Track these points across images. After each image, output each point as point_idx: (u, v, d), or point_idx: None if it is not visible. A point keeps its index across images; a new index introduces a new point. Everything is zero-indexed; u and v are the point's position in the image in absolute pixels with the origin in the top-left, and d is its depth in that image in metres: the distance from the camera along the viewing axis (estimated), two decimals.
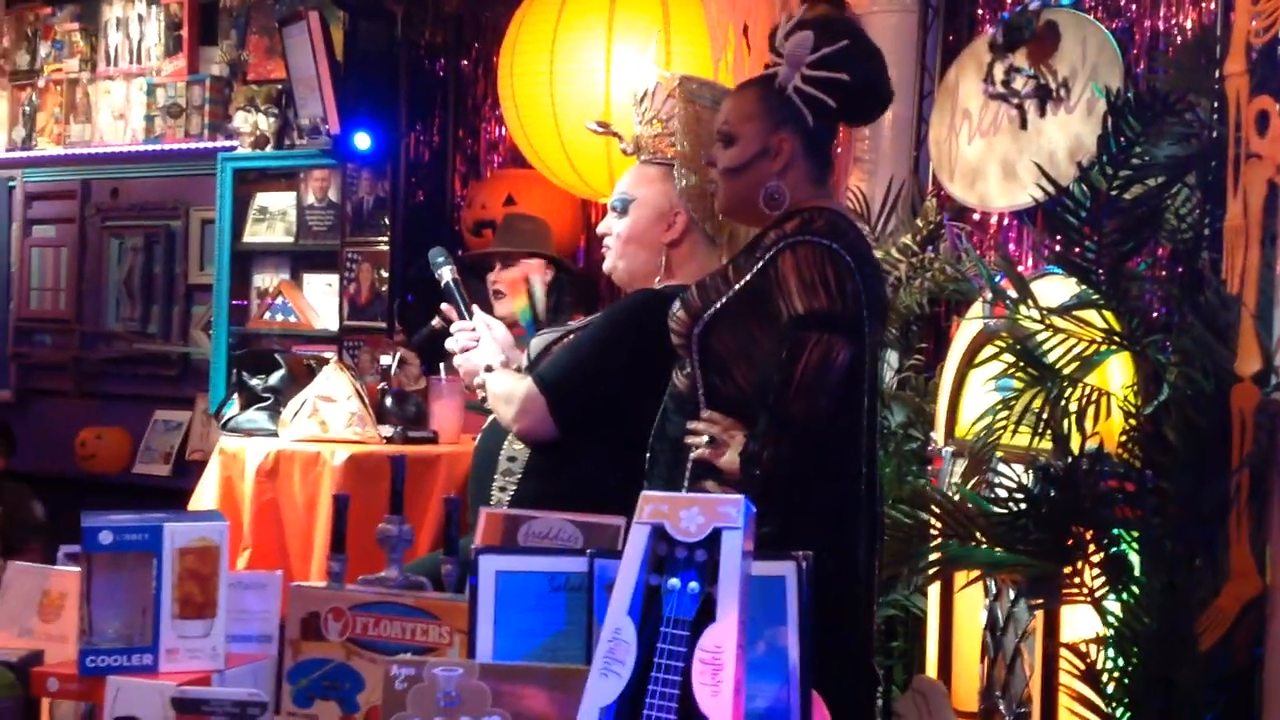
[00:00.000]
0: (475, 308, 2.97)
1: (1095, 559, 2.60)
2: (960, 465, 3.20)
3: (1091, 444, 2.61)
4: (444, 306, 2.98)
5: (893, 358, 3.76)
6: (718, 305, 2.21)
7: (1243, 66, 2.35)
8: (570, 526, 1.81)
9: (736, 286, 2.20)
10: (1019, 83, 3.10)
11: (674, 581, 1.41)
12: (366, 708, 1.68)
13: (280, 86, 5.43)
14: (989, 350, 2.97)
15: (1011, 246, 3.61)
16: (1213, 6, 2.81)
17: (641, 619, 1.42)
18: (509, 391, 2.74)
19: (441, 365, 3.58)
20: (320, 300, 5.42)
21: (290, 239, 5.47)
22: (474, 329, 2.91)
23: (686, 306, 2.28)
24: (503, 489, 2.73)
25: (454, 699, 1.47)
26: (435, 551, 2.91)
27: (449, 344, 2.92)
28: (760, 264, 2.17)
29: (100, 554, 1.68)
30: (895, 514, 3.23)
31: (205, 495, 3.50)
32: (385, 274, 5.10)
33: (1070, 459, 2.59)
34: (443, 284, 2.96)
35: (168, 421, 5.86)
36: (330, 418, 3.38)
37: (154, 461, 5.84)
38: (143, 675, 1.66)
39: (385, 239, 5.14)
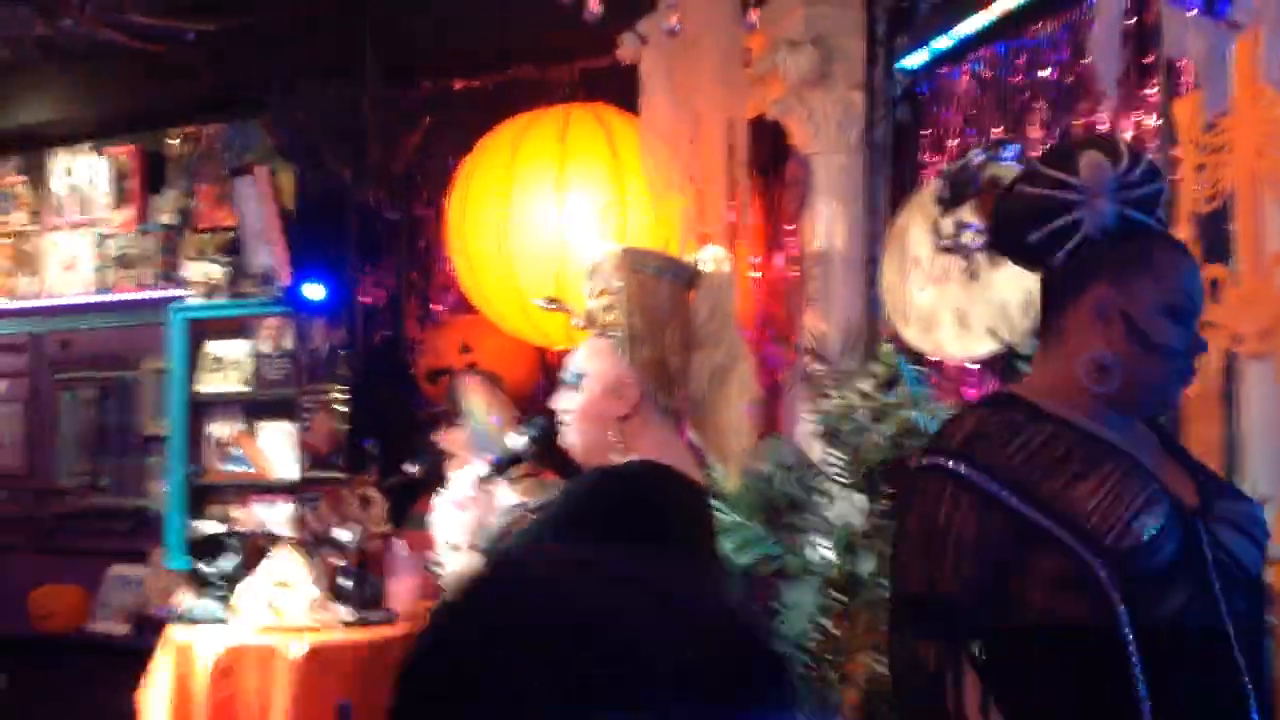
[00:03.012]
0: (450, 480, 2.90)
1: None
2: None
3: None
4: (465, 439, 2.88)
5: (859, 500, 3.71)
6: None
7: (1191, 235, 2.35)
8: None
9: None
10: (967, 236, 3.08)
11: None
12: None
13: (231, 234, 5.40)
14: None
15: (972, 392, 3.59)
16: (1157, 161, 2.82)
17: None
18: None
19: (396, 542, 3.51)
20: (277, 450, 5.33)
21: (246, 387, 5.40)
22: (476, 496, 2.84)
23: None
24: None
25: None
26: None
27: (447, 488, 2.84)
28: None
29: None
30: (869, 661, 3.17)
31: (157, 692, 3.38)
32: (345, 425, 5.03)
33: None
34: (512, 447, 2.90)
35: (123, 577, 5.73)
36: (286, 606, 3.28)
37: (110, 619, 5.69)
38: None
39: (342, 387, 5.08)
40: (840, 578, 3.58)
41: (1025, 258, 1.80)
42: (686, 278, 2.72)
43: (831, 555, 3.66)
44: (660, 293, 2.68)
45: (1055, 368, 1.69)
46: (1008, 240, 1.83)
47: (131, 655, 4.49)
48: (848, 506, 3.71)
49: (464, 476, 2.83)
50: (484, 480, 2.87)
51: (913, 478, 1.73)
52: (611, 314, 2.74)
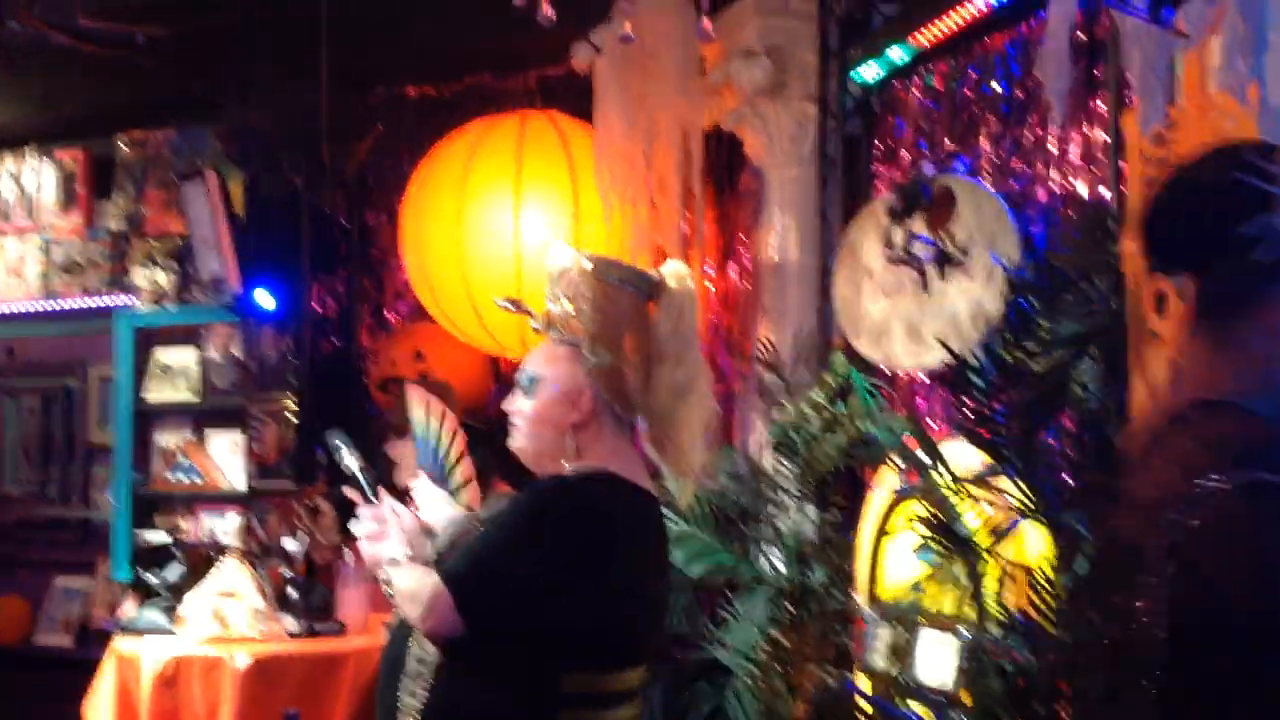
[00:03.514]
0: (383, 493, 2.87)
1: None
2: (883, 631, 3.15)
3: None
4: (348, 492, 2.87)
5: (811, 511, 3.72)
6: None
7: (1139, 246, 2.36)
8: None
9: None
10: (918, 248, 3.10)
11: None
12: None
13: (180, 241, 5.34)
14: (901, 517, 2.94)
15: (923, 402, 3.60)
16: (1106, 172, 2.84)
17: None
18: (415, 589, 2.63)
19: (346, 552, 3.47)
20: (226, 459, 5.27)
21: (194, 396, 5.34)
22: (382, 516, 2.80)
23: None
24: (412, 694, 2.61)
25: None
26: None
27: (353, 527, 2.81)
28: None
29: None
30: (818, 672, 3.17)
31: (101, 702, 3.33)
32: (293, 433, 4.98)
33: (997, 637, 2.53)
34: (346, 470, 2.86)
35: (68, 588, 5.65)
36: (231, 615, 3.24)
37: (55, 631, 5.61)
38: None
39: (291, 395, 5.03)
40: (792, 588, 3.58)
41: (1198, 251, 1.66)
42: (648, 290, 2.70)
43: (782, 566, 3.66)
44: (621, 302, 2.65)
45: (1235, 371, 1.59)
46: (1190, 229, 1.68)
47: (77, 668, 4.41)
48: (799, 518, 3.72)
49: (426, 491, 2.79)
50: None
51: (1232, 502, 1.50)
52: (571, 320, 2.72)
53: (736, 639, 3.62)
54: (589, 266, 2.65)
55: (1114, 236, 2.52)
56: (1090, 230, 2.54)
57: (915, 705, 2.88)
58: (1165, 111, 2.10)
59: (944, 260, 3.06)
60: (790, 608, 3.54)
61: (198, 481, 5.20)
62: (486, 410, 4.71)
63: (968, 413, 2.70)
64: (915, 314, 3.21)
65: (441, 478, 3.03)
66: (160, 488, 5.28)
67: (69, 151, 5.74)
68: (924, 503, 2.81)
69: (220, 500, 5.13)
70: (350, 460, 2.83)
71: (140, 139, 5.57)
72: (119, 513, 5.29)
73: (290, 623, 3.34)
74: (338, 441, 2.86)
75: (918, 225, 3.11)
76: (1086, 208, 2.83)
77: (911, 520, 2.87)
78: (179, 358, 5.40)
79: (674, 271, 2.71)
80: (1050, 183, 3.06)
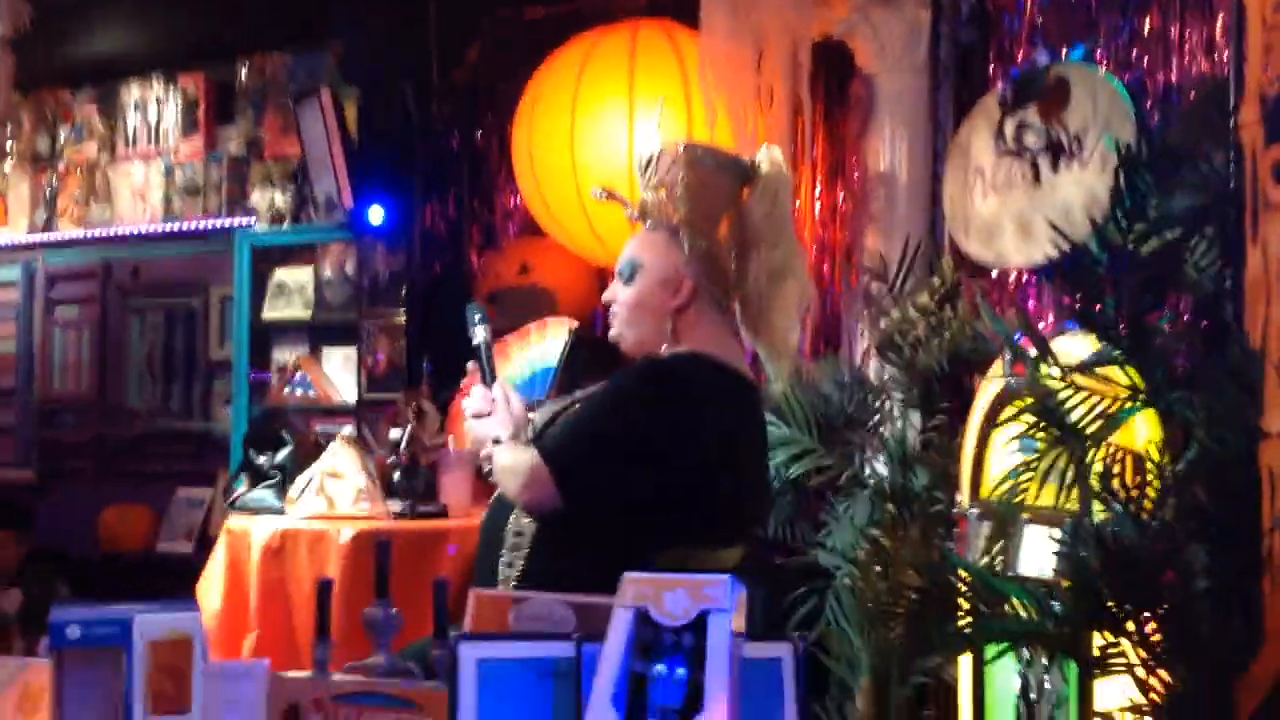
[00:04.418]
0: (501, 376, 2.89)
1: (1129, 627, 2.49)
2: (986, 527, 3.11)
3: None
4: (470, 366, 2.89)
5: (915, 418, 3.68)
6: None
7: (1256, 115, 2.28)
8: (564, 608, 1.73)
9: None
10: (1030, 139, 3.04)
11: (660, 668, 1.34)
12: None
13: (296, 163, 5.45)
14: (1010, 411, 2.89)
15: (1031, 303, 3.54)
16: (1225, 57, 2.75)
17: (628, 708, 1.35)
18: (514, 464, 2.67)
19: (450, 438, 3.52)
20: (339, 374, 5.39)
21: (308, 314, 5.46)
22: (493, 397, 2.82)
23: None
24: (510, 565, 2.66)
25: None
26: None
27: (464, 404, 2.84)
28: None
29: (69, 650, 1.62)
30: (919, 579, 3.14)
31: (213, 576, 3.45)
32: (402, 345, 5.07)
33: (1115, 526, 2.48)
34: (475, 343, 2.88)
35: (190, 498, 5.84)
36: (337, 494, 3.32)
37: (176, 539, 5.80)
38: None
39: (402, 311, 5.12)
40: (893, 491, 3.55)
41: None
42: (743, 175, 2.70)
43: (884, 470, 3.63)
44: (716, 187, 2.67)
45: None
46: None
47: (196, 573, 4.58)
48: (903, 424, 3.68)
49: (479, 390, 2.80)
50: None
51: None
52: (665, 205, 2.73)
53: (837, 541, 3.61)
54: (681, 152, 2.67)
55: (1230, 110, 2.44)
56: (1206, 104, 2.46)
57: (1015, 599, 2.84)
58: None
59: (1057, 150, 2.99)
60: (892, 509, 3.51)
61: (311, 395, 5.33)
62: (593, 324, 4.74)
63: (1077, 301, 2.65)
64: (1026, 209, 3.15)
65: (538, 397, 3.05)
66: (277, 401, 5.42)
67: (191, 78, 5.89)
68: (1031, 394, 2.76)
69: (334, 413, 5.26)
70: (481, 334, 2.84)
71: (259, 64, 5.68)
72: (238, 427, 5.44)
73: (395, 504, 3.42)
74: (476, 315, 2.87)
75: (1030, 115, 3.05)
76: (1203, 82, 2.74)
77: (1018, 413, 2.82)
78: (295, 276, 5.52)
79: (768, 156, 2.70)
80: (1170, 71, 2.97)
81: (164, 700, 1.61)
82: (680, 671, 1.33)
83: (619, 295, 2.75)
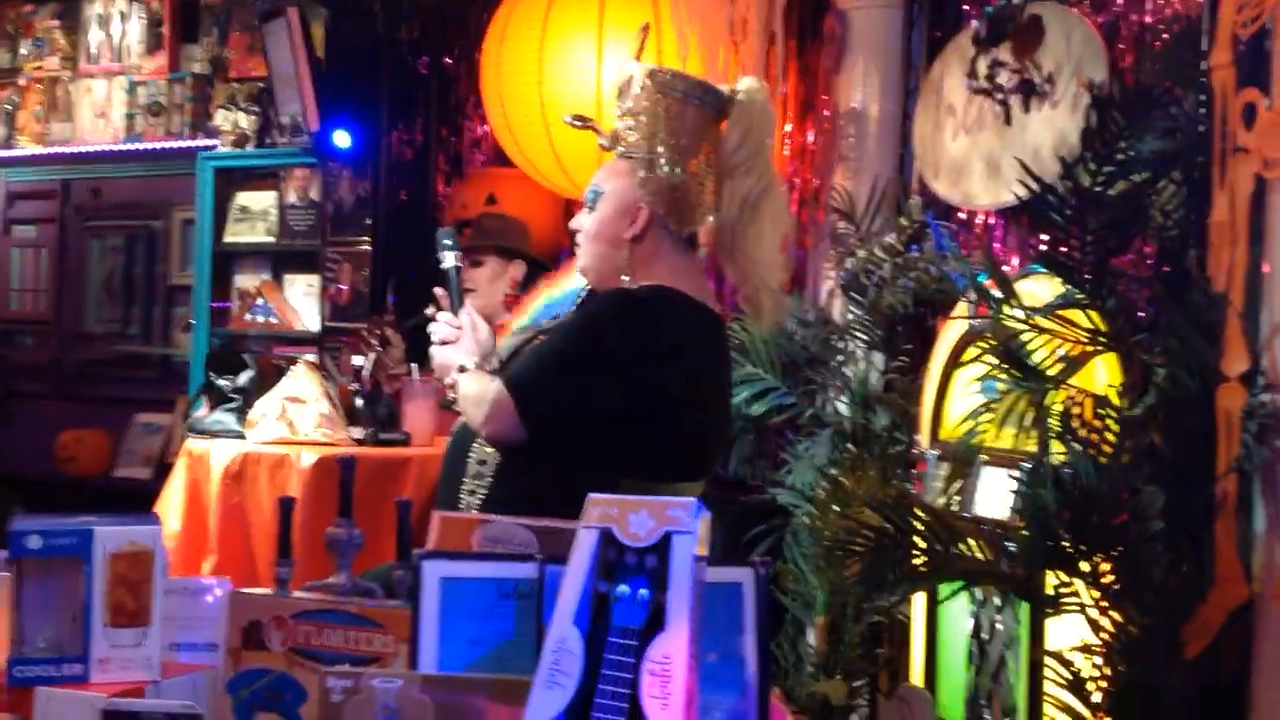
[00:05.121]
0: (468, 303, 2.86)
1: (1084, 568, 2.53)
2: (944, 469, 3.14)
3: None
4: (438, 291, 2.86)
5: (878, 359, 3.70)
6: None
7: (1229, 58, 2.29)
8: (525, 531, 1.73)
9: None
10: (1003, 77, 3.03)
11: (623, 589, 1.34)
12: None
13: (261, 84, 5.36)
14: (973, 352, 2.91)
15: (997, 245, 3.55)
16: None
17: (590, 628, 1.35)
18: (479, 393, 2.65)
19: (414, 366, 3.50)
20: (302, 301, 5.35)
21: (271, 239, 5.40)
22: (460, 324, 2.80)
23: None
24: (472, 493, 2.65)
25: (393, 712, 1.40)
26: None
27: (431, 329, 2.81)
28: None
29: (29, 559, 1.61)
30: (876, 519, 3.17)
31: (171, 499, 3.43)
32: (367, 274, 5.03)
33: (1073, 468, 2.50)
34: (444, 267, 2.84)
35: (149, 424, 5.79)
36: (298, 419, 3.30)
37: (135, 464, 5.77)
38: (73, 686, 1.59)
39: (367, 239, 5.07)
40: (854, 430, 3.58)
41: None
42: (717, 104, 2.65)
43: (845, 409, 3.65)
44: (686, 117, 2.62)
45: None
46: None
47: (154, 498, 4.56)
48: (866, 364, 3.70)
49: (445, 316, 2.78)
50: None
51: None
52: (634, 134, 2.69)
53: (797, 480, 3.63)
54: (653, 80, 2.62)
55: (1203, 52, 2.44)
56: (1179, 46, 2.47)
57: (971, 540, 2.87)
58: None
59: (1029, 90, 2.99)
60: (852, 448, 3.53)
61: (273, 322, 5.29)
62: (558, 256, 4.72)
63: (1043, 242, 2.66)
64: (996, 149, 3.15)
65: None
66: (239, 327, 5.37)
67: None
68: (994, 336, 2.77)
69: (296, 341, 5.22)
70: (450, 259, 2.80)
71: None
72: (198, 352, 5.39)
73: (356, 430, 3.41)
74: (446, 240, 2.83)
75: (1003, 53, 3.04)
76: (1176, 23, 2.74)
77: (981, 354, 2.83)
78: (258, 200, 5.45)
79: (745, 85, 2.67)
80: (1143, 13, 2.96)
81: (123, 612, 1.61)
82: (643, 592, 1.33)
83: (581, 223, 2.73)
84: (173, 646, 1.74)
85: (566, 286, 3.17)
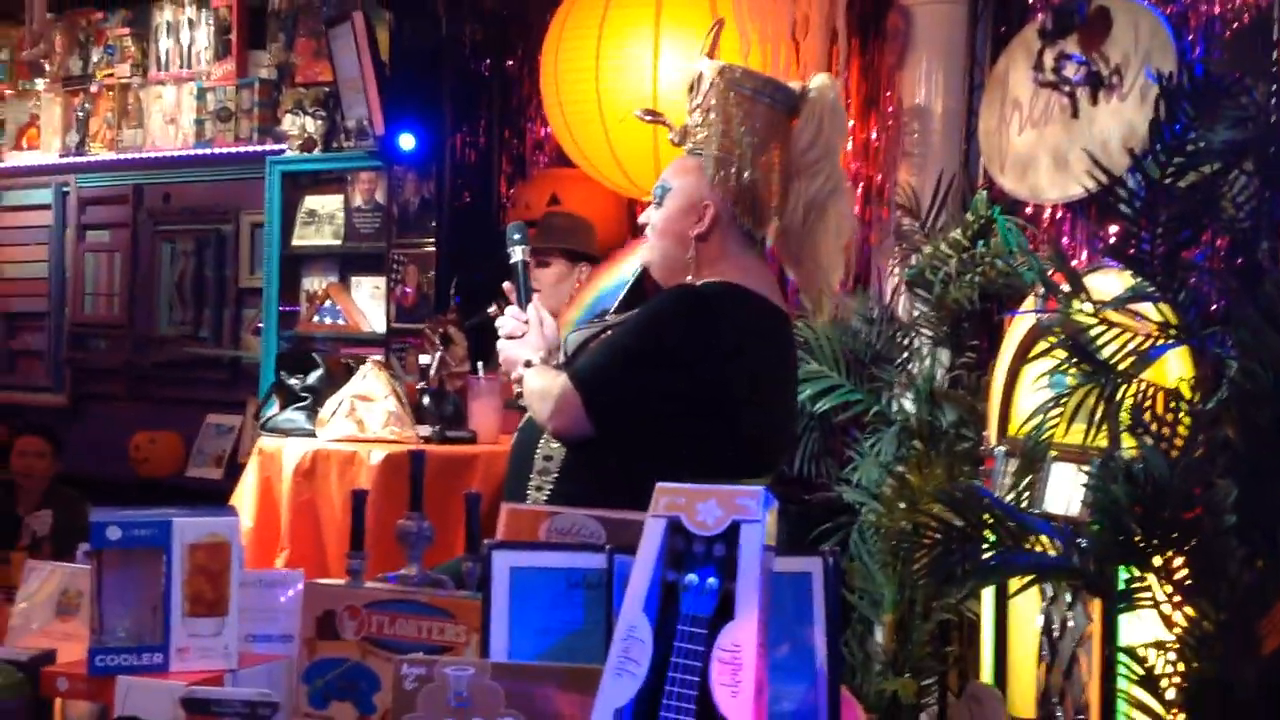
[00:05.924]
0: (535, 298, 2.87)
1: (1156, 563, 2.49)
2: (1012, 465, 3.11)
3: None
4: (506, 286, 2.87)
5: (943, 355, 3.67)
6: None
7: None
8: (593, 523, 1.75)
9: None
10: (1070, 70, 3.00)
11: (691, 577, 1.35)
12: (383, 708, 1.63)
13: (327, 89, 5.43)
14: (1041, 346, 2.88)
15: (1065, 239, 3.51)
16: None
17: (658, 617, 1.36)
18: (545, 388, 2.67)
19: (480, 365, 3.53)
20: (368, 303, 5.41)
21: (338, 242, 5.47)
22: (526, 319, 2.81)
23: None
24: (539, 488, 2.67)
25: (465, 699, 1.41)
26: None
27: (499, 323, 2.83)
28: None
29: (110, 550, 1.64)
30: (946, 516, 3.15)
31: (244, 496, 3.49)
32: (431, 275, 5.07)
33: (1144, 462, 2.47)
34: (512, 262, 2.86)
35: (219, 425, 5.88)
36: (367, 417, 3.34)
37: (206, 465, 5.86)
38: (153, 675, 1.62)
39: (431, 241, 5.12)
40: (920, 427, 3.56)
41: None
42: (787, 102, 2.64)
43: (911, 406, 3.63)
44: (756, 114, 2.61)
45: None
46: None
47: (225, 498, 4.63)
48: (932, 361, 3.68)
49: (512, 310, 2.79)
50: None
51: None
52: (703, 131, 2.69)
53: (863, 477, 3.62)
54: (724, 77, 2.62)
55: (1274, 42, 2.41)
56: (1250, 36, 2.43)
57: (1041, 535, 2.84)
58: None
59: (1096, 82, 2.95)
60: (918, 445, 3.51)
61: (340, 323, 5.35)
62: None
63: (1112, 235, 2.63)
64: (1063, 142, 3.12)
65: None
66: (306, 329, 5.44)
67: (223, 0, 5.86)
68: (1062, 331, 2.75)
69: (362, 343, 5.28)
70: (519, 254, 2.82)
71: None
72: (267, 353, 5.47)
73: (423, 429, 3.44)
74: (516, 234, 2.84)
75: (1070, 46, 3.01)
76: (1246, 12, 2.70)
77: (1049, 349, 2.81)
78: (325, 204, 5.52)
79: (816, 83, 2.65)
80: (1212, 2, 2.92)
81: (201, 602, 1.64)
82: (711, 581, 1.34)
83: (650, 219, 2.73)
84: (249, 638, 1.77)
85: (617, 277, 3.18)
